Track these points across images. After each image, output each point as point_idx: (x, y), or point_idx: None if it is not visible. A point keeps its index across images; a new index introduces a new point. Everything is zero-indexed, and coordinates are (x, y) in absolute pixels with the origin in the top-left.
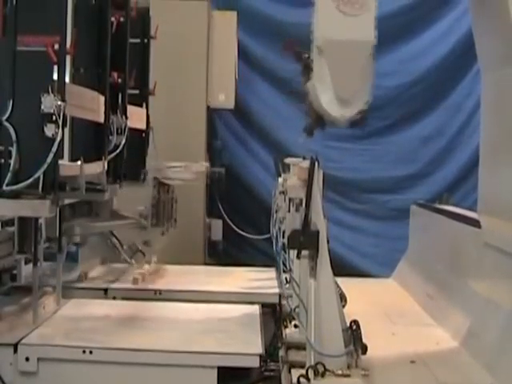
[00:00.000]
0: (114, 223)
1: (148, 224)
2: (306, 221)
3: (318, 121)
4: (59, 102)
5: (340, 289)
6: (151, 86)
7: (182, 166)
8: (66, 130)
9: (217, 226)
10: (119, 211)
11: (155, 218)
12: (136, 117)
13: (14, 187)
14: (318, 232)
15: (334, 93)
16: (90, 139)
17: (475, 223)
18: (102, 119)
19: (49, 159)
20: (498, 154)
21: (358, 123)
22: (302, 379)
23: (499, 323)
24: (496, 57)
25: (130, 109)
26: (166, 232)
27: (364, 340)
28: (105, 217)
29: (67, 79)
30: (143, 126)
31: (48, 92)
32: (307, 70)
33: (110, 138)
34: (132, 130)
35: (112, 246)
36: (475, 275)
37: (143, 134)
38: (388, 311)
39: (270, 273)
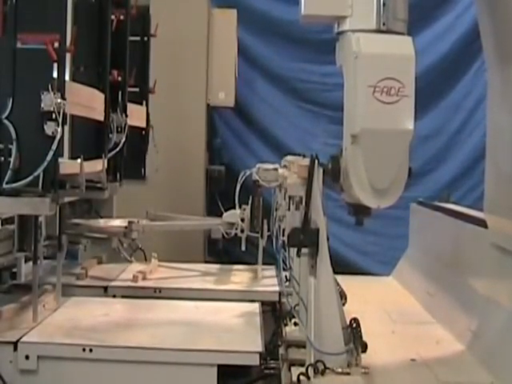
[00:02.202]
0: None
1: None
2: (306, 219)
3: (361, 210)
4: (59, 100)
5: (340, 287)
6: (151, 84)
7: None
8: (66, 128)
9: None
10: None
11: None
12: (136, 115)
13: (14, 185)
14: (317, 230)
15: (369, 184)
16: (90, 137)
17: (476, 221)
18: (102, 117)
19: (49, 157)
20: (504, 152)
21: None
22: (301, 377)
23: (501, 322)
24: (503, 53)
25: (130, 107)
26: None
27: (364, 338)
28: None
29: (67, 77)
30: (143, 124)
31: (48, 90)
32: (336, 175)
33: (110, 136)
34: (132, 128)
35: (112, 243)
36: (477, 274)
37: (143, 132)
38: (388, 309)
39: (270, 271)
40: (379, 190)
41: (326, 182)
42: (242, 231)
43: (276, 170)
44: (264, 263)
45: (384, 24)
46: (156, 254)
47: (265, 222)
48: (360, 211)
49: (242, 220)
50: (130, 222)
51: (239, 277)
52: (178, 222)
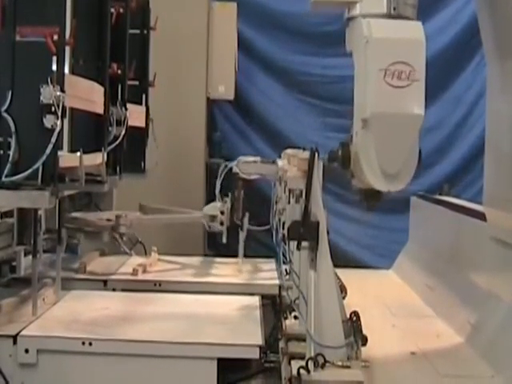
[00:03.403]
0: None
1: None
2: (306, 212)
3: (372, 195)
4: (58, 93)
5: (340, 280)
6: (151, 77)
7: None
8: (66, 121)
9: None
10: None
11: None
12: (135, 115)
13: (13, 178)
14: (317, 223)
15: (380, 168)
16: (89, 130)
17: (477, 214)
18: (101, 110)
19: (48, 150)
20: (503, 145)
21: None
22: (301, 370)
23: (501, 316)
24: (502, 46)
25: (130, 107)
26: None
27: (364, 331)
28: None
29: (66, 70)
30: (142, 124)
31: (47, 83)
32: (346, 162)
33: (110, 129)
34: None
35: (111, 237)
36: (477, 267)
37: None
38: (388, 303)
39: (270, 264)
40: (390, 174)
41: (331, 171)
42: (222, 224)
43: (256, 162)
44: (264, 256)
45: (394, 9)
46: (156, 248)
47: (246, 214)
48: (371, 196)
49: (222, 213)
50: (117, 217)
51: (239, 270)
52: (163, 215)
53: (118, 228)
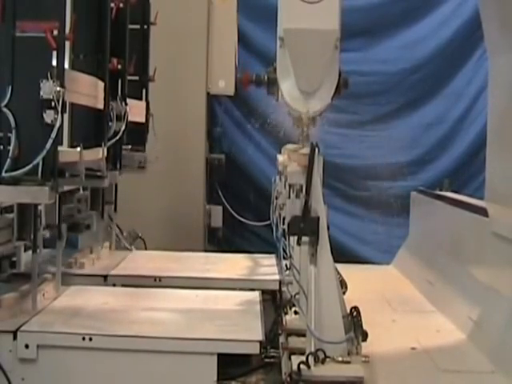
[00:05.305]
0: None
1: None
2: (306, 207)
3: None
4: (58, 88)
5: (340, 275)
6: (151, 72)
7: None
8: (66, 116)
9: (217, 212)
10: None
11: None
12: (135, 110)
13: (13, 174)
14: (318, 218)
15: (297, 86)
16: (89, 125)
17: (477, 210)
18: (101, 105)
19: (48, 145)
20: (506, 140)
21: None
22: (302, 366)
23: (502, 311)
24: (504, 40)
25: (130, 102)
26: None
27: (364, 327)
28: None
29: (66, 65)
30: (142, 120)
31: (47, 78)
32: (272, 84)
33: (110, 124)
34: None
35: (112, 232)
36: (477, 262)
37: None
38: (388, 298)
39: (270, 259)
40: (307, 93)
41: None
42: None
43: None
44: (264, 252)
45: None
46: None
47: None
48: (301, 123)
49: None
50: None
51: (239, 265)
52: None
53: None
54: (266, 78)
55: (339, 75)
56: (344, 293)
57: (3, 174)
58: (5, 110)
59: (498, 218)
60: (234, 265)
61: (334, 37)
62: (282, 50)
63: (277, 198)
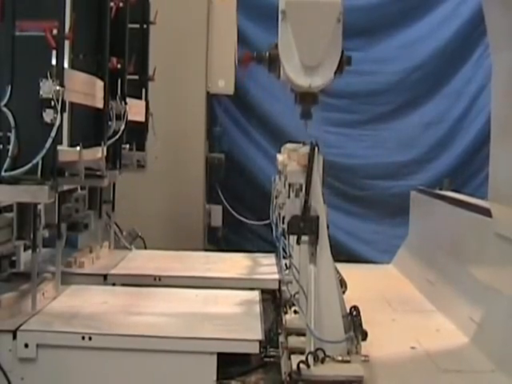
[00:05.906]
0: None
1: None
2: (306, 206)
3: (304, 98)
4: (58, 88)
5: (340, 275)
6: (151, 71)
7: None
8: (65, 116)
9: (216, 212)
10: None
11: None
12: (135, 109)
13: (13, 173)
14: (317, 217)
15: (300, 60)
16: (89, 125)
17: (478, 209)
18: (101, 105)
19: (47, 145)
20: (509, 140)
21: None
22: (301, 365)
23: (502, 311)
24: (508, 36)
25: (130, 101)
26: None
27: (364, 326)
28: None
29: (66, 64)
30: (142, 119)
31: (47, 77)
32: (274, 61)
33: (110, 123)
34: None
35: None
36: (478, 262)
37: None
38: (388, 297)
39: (270, 259)
40: (310, 67)
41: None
42: None
43: None
44: (264, 251)
45: None
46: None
47: None
48: (305, 99)
49: None
50: None
51: (239, 265)
52: None
53: None
54: (267, 54)
55: (342, 52)
56: (344, 292)
57: (3, 174)
58: (4, 109)
59: (502, 219)
60: (233, 264)
61: (337, 9)
62: (284, 24)
63: (276, 198)
